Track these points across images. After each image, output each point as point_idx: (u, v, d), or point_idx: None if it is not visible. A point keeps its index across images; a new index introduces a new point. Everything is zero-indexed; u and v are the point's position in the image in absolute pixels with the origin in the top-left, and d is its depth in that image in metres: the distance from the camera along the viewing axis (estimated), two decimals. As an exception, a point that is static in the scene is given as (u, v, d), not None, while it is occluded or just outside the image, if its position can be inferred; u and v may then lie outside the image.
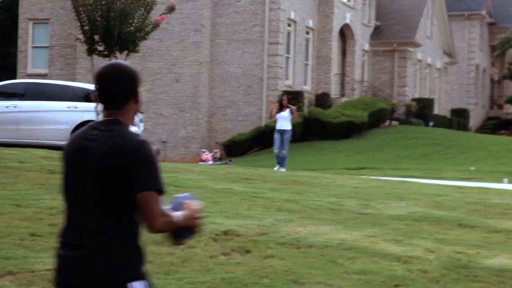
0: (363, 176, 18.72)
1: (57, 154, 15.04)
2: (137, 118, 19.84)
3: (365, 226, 9.62)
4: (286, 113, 19.99)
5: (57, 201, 9.35)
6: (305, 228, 9.07)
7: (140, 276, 3.20)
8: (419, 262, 7.82)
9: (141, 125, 19.69)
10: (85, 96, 18.72)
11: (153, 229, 3.15)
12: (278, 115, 20.08)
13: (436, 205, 11.98)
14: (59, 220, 8.27)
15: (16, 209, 8.65)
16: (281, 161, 20.10)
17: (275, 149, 20.25)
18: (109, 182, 3.13)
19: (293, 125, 20.13)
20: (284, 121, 20.03)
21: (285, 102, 20.22)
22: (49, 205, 9.07)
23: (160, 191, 3.14)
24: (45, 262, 6.59)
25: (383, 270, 7.36)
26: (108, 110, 3.26)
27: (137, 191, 3.12)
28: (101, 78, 3.25)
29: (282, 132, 20.04)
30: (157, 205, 3.13)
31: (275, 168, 19.39)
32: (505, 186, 18.06)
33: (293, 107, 20.44)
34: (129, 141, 3.14)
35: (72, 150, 3.24)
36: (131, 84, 3.25)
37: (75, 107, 18.59)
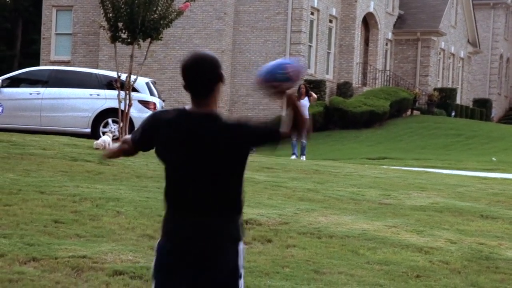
0: (384, 166, 18.68)
1: (80, 141, 15.15)
2: (159, 105, 19.91)
3: (386, 216, 9.61)
4: (305, 102, 19.95)
5: (80, 189, 9.43)
6: (326, 218, 9.08)
7: (242, 237, 3.57)
8: (440, 253, 7.81)
9: (163, 113, 19.71)
10: (108, 84, 18.80)
11: (287, 136, 3.61)
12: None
13: (458, 195, 11.94)
14: (82, 207, 8.35)
15: (39, 196, 8.73)
16: (301, 150, 20.09)
17: (293, 138, 20.22)
18: (226, 157, 3.47)
19: (314, 114, 19.88)
20: (303, 109, 19.97)
21: (303, 90, 20.15)
22: (72, 192, 9.15)
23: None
24: (68, 249, 6.66)
25: (405, 261, 7.36)
26: (199, 97, 3.55)
27: (256, 137, 3.52)
28: (191, 70, 3.54)
29: None
30: (271, 130, 3.54)
31: (292, 157, 19.37)
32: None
33: (314, 94, 20.36)
34: (230, 122, 3.51)
35: (180, 134, 3.52)
36: (218, 69, 3.56)
37: (98, 95, 18.67)
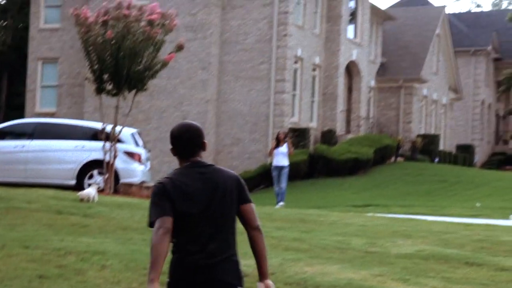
0: (369, 214, 18.66)
1: (65, 194, 15.04)
2: (144, 156, 19.81)
3: (372, 265, 9.57)
4: (283, 149, 19.99)
5: (65, 242, 9.34)
6: (312, 268, 9.02)
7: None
8: (426, 302, 7.76)
9: (148, 164, 19.68)
10: (93, 135, 18.76)
11: (257, 227, 4.21)
12: (275, 151, 20.08)
13: (443, 242, 11.93)
14: (67, 262, 8.27)
15: (24, 251, 8.63)
16: (280, 196, 20.03)
17: (276, 187, 20.20)
18: (230, 200, 4.14)
19: (299, 163, 19.82)
20: (282, 157, 20.02)
21: (281, 137, 20.23)
22: (57, 246, 9.06)
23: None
24: (53, 304, 6.58)
25: (391, 311, 7.31)
26: (187, 158, 4.23)
27: (245, 203, 4.20)
28: (182, 136, 4.22)
29: (279, 168, 20.01)
30: (256, 212, 4.25)
31: (276, 206, 19.28)
32: (511, 222, 17.96)
33: (288, 140, 20.41)
34: (231, 173, 4.23)
35: (189, 185, 4.10)
36: (203, 137, 4.25)
37: (83, 146, 18.62)
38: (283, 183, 20.04)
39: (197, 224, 4.06)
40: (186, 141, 4.21)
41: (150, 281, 3.93)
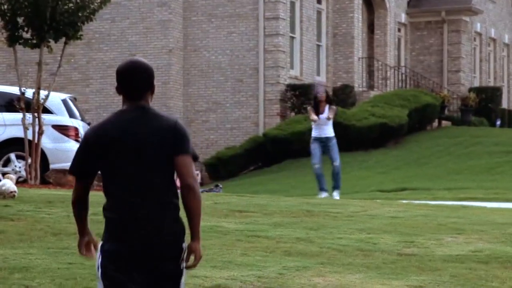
0: (404, 201, 18.74)
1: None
2: (83, 131, 19.90)
3: (409, 272, 9.65)
4: (325, 114, 19.67)
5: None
6: (324, 279, 9.08)
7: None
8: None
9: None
10: (7, 104, 18.73)
11: (189, 186, 5.06)
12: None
13: (510, 239, 11.96)
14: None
15: None
16: (334, 179, 19.57)
17: (315, 164, 19.75)
18: (162, 150, 5.04)
19: (304, 132, 19.42)
20: (324, 125, 19.67)
21: (322, 97, 19.86)
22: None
23: (194, 156, 5.16)
24: None
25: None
26: (132, 100, 5.12)
27: (178, 154, 5.07)
28: (127, 73, 5.14)
29: (324, 140, 19.65)
30: (192, 166, 5.14)
31: (322, 195, 19.01)
32: None
33: (334, 107, 20.13)
34: (169, 118, 5.12)
35: (119, 132, 5.02)
36: (151, 77, 5.20)
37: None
38: (336, 160, 19.73)
39: (126, 176, 5.02)
40: (132, 80, 5.12)
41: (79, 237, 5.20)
